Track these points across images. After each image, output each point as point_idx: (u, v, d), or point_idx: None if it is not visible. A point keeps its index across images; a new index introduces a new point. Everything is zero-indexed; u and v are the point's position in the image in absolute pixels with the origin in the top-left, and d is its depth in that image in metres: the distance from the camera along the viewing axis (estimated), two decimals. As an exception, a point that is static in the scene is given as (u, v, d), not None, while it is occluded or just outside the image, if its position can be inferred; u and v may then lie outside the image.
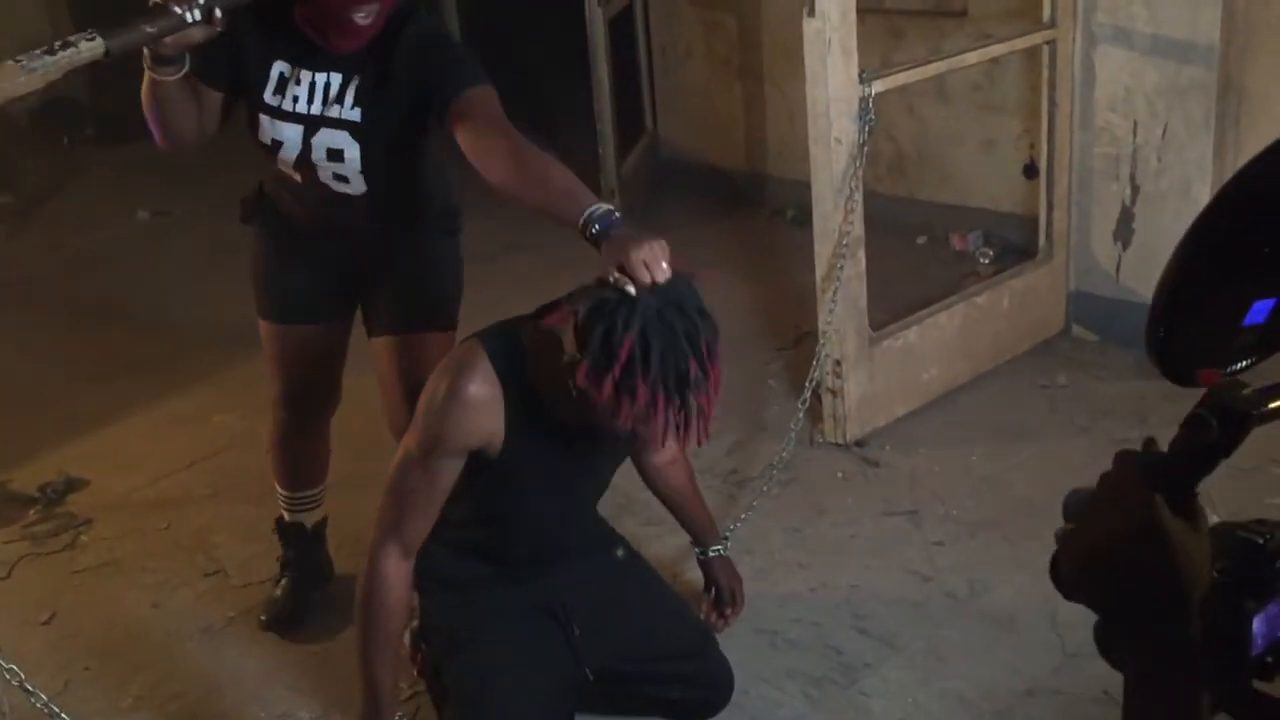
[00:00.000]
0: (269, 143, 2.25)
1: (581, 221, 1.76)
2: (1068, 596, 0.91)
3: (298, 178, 2.31)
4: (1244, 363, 0.87)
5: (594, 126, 4.89)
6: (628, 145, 5.27)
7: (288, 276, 2.49)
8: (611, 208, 1.80)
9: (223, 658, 2.73)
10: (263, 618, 2.80)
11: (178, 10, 1.88)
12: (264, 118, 2.23)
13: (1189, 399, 0.82)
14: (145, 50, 1.98)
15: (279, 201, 2.45)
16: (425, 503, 1.91)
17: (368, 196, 2.31)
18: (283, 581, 2.85)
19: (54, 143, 7.02)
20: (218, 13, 1.91)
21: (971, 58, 3.50)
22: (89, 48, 1.76)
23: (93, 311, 4.73)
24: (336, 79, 2.20)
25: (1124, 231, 3.62)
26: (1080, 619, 0.89)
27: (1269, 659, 0.85)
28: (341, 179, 2.28)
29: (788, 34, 4.27)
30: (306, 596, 2.83)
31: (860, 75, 3.07)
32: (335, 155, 2.23)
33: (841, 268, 3.15)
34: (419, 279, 2.48)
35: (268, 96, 2.22)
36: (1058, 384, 3.56)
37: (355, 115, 2.20)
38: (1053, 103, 3.57)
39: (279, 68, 2.21)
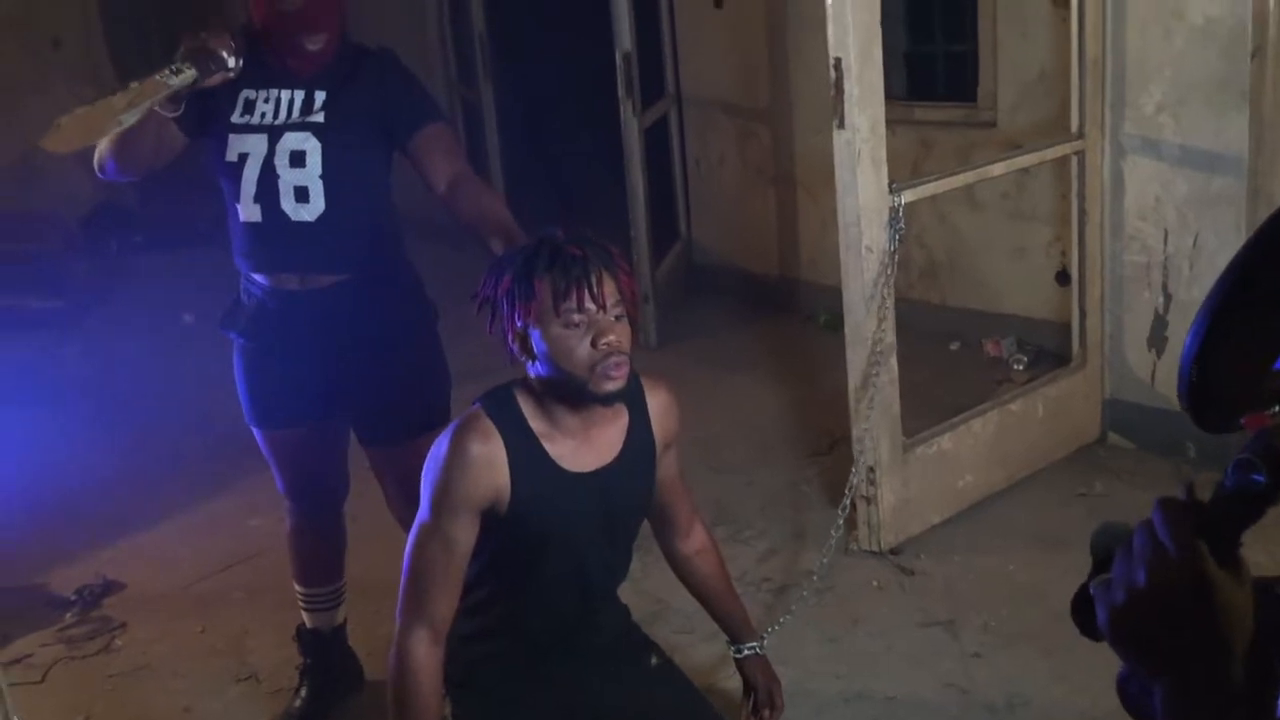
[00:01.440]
0: (235, 159, 2.36)
1: (503, 248, 2.11)
2: (1088, 635, 0.89)
3: (257, 214, 2.37)
4: (1276, 408, 0.85)
5: (629, 233, 4.97)
6: (662, 251, 5.35)
7: (269, 381, 2.52)
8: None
9: (253, 765, 2.71)
10: None
11: (224, 54, 2.18)
12: (232, 137, 2.36)
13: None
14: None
15: (251, 301, 2.49)
16: (445, 573, 1.90)
17: (327, 224, 2.36)
18: (301, 690, 2.84)
19: (103, 248, 7.22)
20: (240, 61, 2.19)
21: (999, 169, 3.55)
22: (189, 73, 2.16)
23: (135, 414, 4.80)
24: (300, 94, 2.37)
25: (1158, 339, 3.62)
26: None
27: None
28: (301, 196, 2.35)
29: (819, 143, 4.36)
30: (326, 705, 2.82)
31: (890, 185, 3.12)
32: (298, 159, 2.34)
33: (874, 374, 3.16)
34: (408, 388, 2.52)
35: (235, 118, 2.37)
36: (1095, 492, 3.53)
37: (319, 118, 2.36)
38: (1083, 211, 3.60)
39: (245, 94, 2.37)
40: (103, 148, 2.33)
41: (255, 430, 2.61)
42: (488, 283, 1.88)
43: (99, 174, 2.40)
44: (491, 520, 1.91)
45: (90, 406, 4.97)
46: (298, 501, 2.71)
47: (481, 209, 2.28)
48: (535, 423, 1.92)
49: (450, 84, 6.77)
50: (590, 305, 1.80)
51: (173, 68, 2.14)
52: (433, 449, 1.93)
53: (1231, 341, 0.80)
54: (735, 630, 2.31)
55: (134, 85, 2.12)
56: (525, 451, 1.90)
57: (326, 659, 2.85)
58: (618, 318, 1.84)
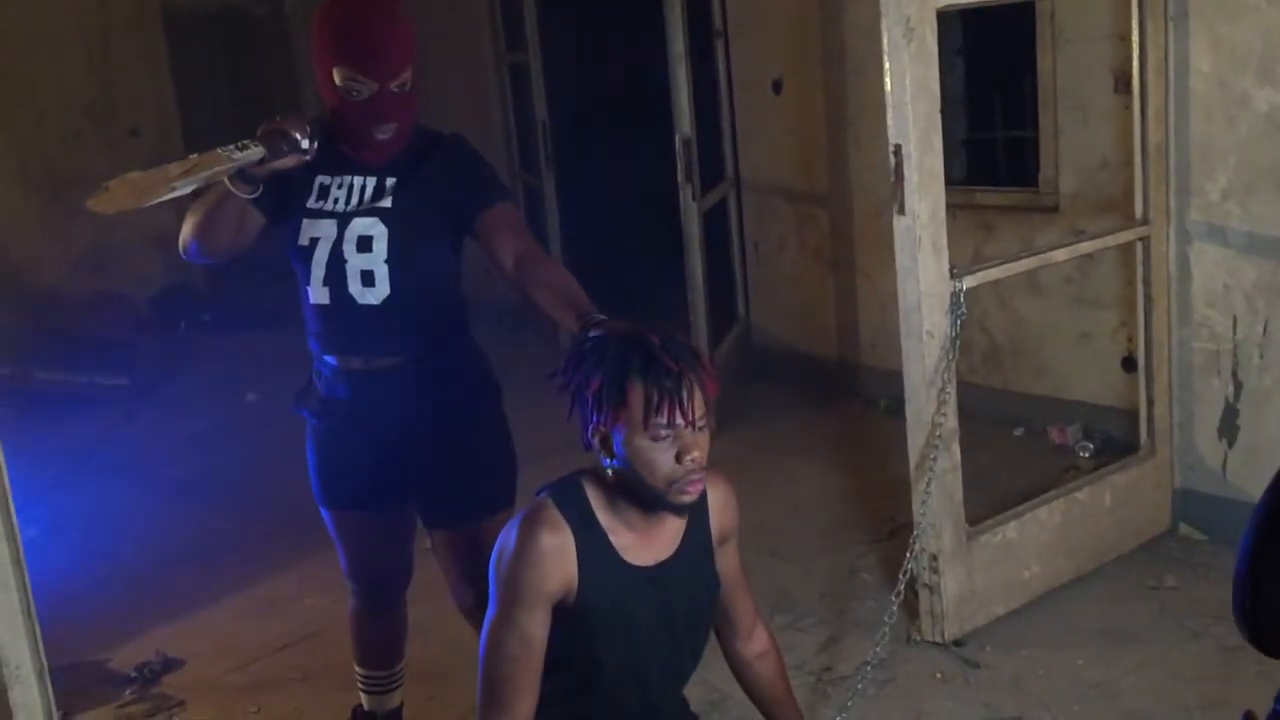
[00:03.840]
0: (306, 243, 2.39)
1: (578, 325, 2.03)
2: None
3: (326, 297, 2.40)
4: None
5: (688, 316, 4.99)
6: (720, 334, 5.36)
7: (338, 462, 2.53)
8: (604, 318, 2.03)
9: None
10: None
11: (297, 136, 2.23)
12: (306, 221, 2.41)
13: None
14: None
15: (321, 382, 2.52)
16: (525, 670, 1.88)
17: (391, 307, 2.38)
18: None
19: (171, 328, 7.39)
20: (315, 144, 2.24)
21: (1061, 254, 3.52)
22: (256, 150, 2.20)
23: (198, 492, 4.87)
24: (372, 181, 2.41)
25: (1228, 428, 3.54)
26: None
27: None
28: (368, 280, 2.37)
29: (879, 227, 4.37)
30: None
31: (951, 271, 3.11)
32: (365, 244, 2.37)
33: (935, 460, 3.12)
34: (474, 471, 2.51)
35: (310, 203, 2.41)
36: (1166, 585, 3.43)
37: (388, 203, 2.39)
38: (1148, 298, 3.56)
39: (320, 180, 2.42)
40: (186, 231, 2.39)
41: (323, 511, 2.62)
42: (573, 371, 1.86)
43: (184, 256, 2.45)
44: (557, 612, 1.90)
45: (154, 484, 5.05)
46: (360, 585, 2.71)
47: (552, 285, 2.24)
48: (602, 515, 1.91)
49: (513, 171, 6.90)
50: (680, 421, 1.80)
51: (239, 144, 2.19)
52: (500, 542, 1.92)
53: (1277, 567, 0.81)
54: None
55: (193, 156, 2.15)
56: (593, 544, 1.90)
57: (379, 744, 2.82)
58: (700, 428, 1.84)
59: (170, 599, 3.89)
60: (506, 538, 1.91)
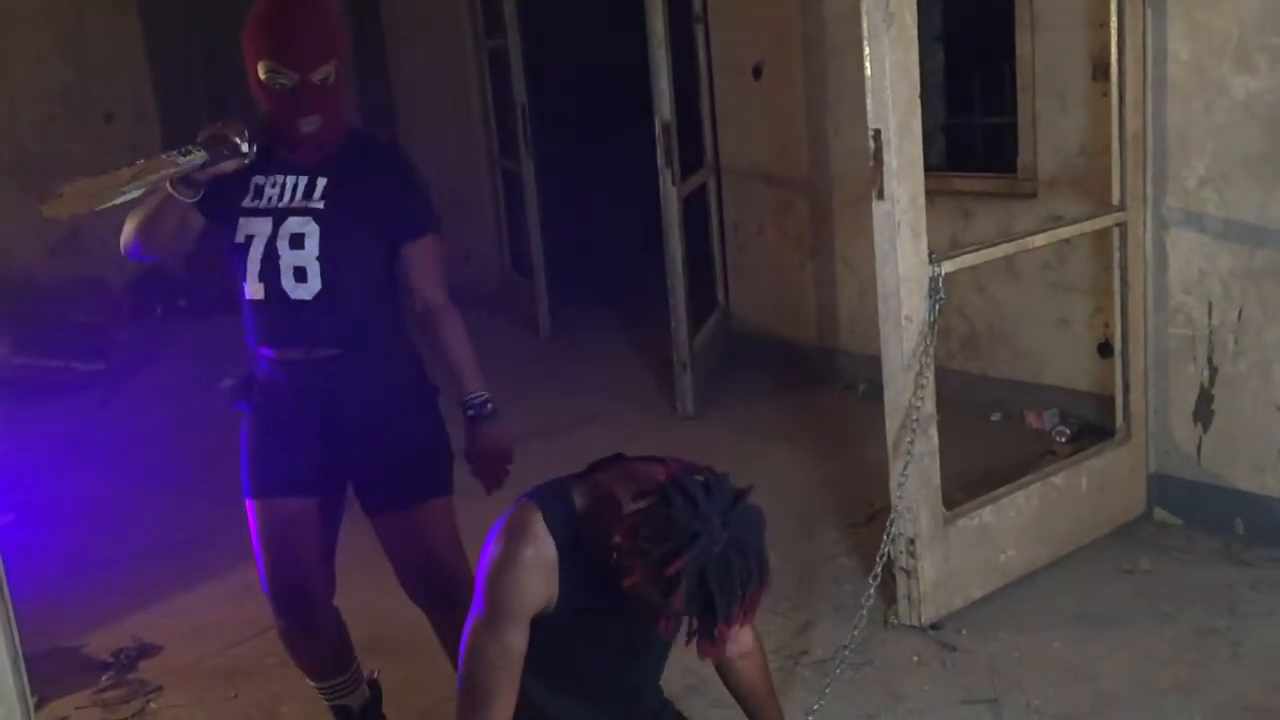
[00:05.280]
0: (242, 240, 2.45)
1: (462, 401, 2.48)
2: None
3: (261, 293, 2.44)
4: None
5: (668, 301, 4.99)
6: (700, 320, 5.36)
7: (276, 447, 2.53)
8: (486, 397, 2.48)
9: (282, 836, 2.68)
10: None
11: (237, 141, 2.31)
12: (241, 220, 2.46)
13: (1278, 589, 0.80)
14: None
15: (260, 373, 2.55)
16: (504, 676, 1.89)
17: (323, 302, 2.43)
18: None
19: (147, 313, 7.34)
20: (254, 147, 2.31)
21: (1040, 240, 3.53)
22: (199, 155, 2.28)
23: (174, 477, 4.84)
24: (304, 180, 2.47)
25: (1203, 413, 3.57)
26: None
27: None
28: (300, 276, 2.42)
29: (858, 213, 4.37)
30: None
31: (929, 256, 3.12)
32: (297, 242, 2.42)
33: (912, 444, 3.13)
34: (409, 454, 2.55)
35: (246, 202, 2.46)
36: (1141, 569, 3.46)
37: (320, 204, 2.44)
38: (1125, 284, 3.57)
39: (256, 180, 2.47)
40: (128, 231, 2.45)
41: (250, 504, 2.57)
42: (655, 542, 1.75)
43: (125, 254, 2.50)
44: (539, 617, 1.91)
45: (130, 468, 5.01)
46: (281, 597, 2.60)
47: (444, 349, 2.51)
48: (588, 530, 1.91)
49: (491, 156, 6.87)
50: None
51: (182, 149, 2.26)
52: (487, 545, 1.92)
53: None
54: None
55: (140, 162, 2.22)
56: (577, 558, 1.90)
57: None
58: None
59: (146, 584, 3.87)
60: (493, 544, 1.92)
